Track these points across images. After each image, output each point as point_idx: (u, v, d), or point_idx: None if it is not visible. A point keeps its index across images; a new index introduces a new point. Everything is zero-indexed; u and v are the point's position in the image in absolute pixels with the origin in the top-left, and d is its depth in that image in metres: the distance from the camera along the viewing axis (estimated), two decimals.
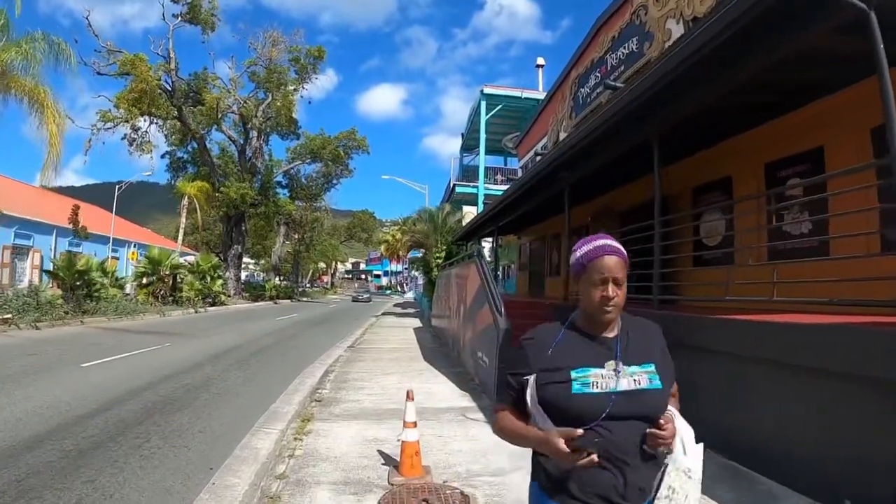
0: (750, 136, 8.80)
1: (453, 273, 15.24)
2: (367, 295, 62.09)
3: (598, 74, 16.06)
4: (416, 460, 4.85)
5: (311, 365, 11.37)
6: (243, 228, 43.01)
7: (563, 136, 18.36)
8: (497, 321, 8.35)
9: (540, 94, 28.69)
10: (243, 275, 61.10)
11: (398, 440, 5.16)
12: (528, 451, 1.80)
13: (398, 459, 5.10)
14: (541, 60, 34.22)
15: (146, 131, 37.89)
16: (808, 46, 5.16)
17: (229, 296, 36.99)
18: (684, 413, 1.88)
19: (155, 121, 37.82)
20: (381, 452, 5.68)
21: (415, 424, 4.93)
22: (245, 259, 76.25)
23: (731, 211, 8.96)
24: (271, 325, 22.29)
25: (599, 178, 11.29)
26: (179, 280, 29.34)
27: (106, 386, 8.97)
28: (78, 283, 21.51)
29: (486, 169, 31.55)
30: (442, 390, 9.19)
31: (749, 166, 8.90)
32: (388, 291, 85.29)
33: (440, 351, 14.81)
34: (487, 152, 31.27)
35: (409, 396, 5.06)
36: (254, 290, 43.64)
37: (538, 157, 24.09)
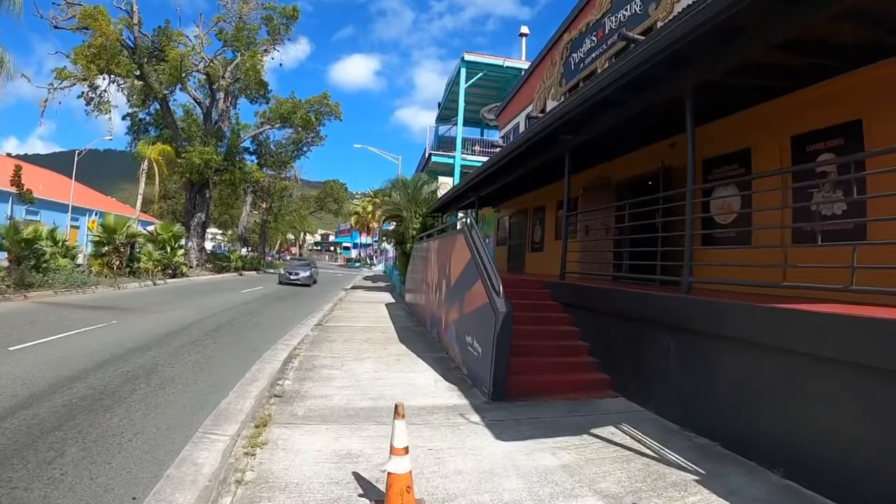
0: (775, 106, 7.80)
1: (433, 245, 13.95)
2: (309, 272, 32.72)
3: (594, 38, 14.79)
4: (409, 498, 3.59)
5: (273, 347, 10.04)
6: (207, 196, 40.73)
7: (551, 103, 17.12)
8: (495, 303, 7.14)
9: (523, 64, 27.33)
10: (209, 245, 58.65)
11: (383, 471, 3.90)
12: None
13: (382, 490, 3.87)
14: (525, 29, 32.82)
15: (105, 90, 35.37)
16: None
17: (191, 267, 35.02)
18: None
19: (115, 79, 35.25)
20: (357, 477, 4.40)
21: (406, 451, 3.66)
22: (213, 230, 73.72)
23: (750, 187, 8.07)
24: (233, 299, 20.75)
25: (599, 145, 10.22)
26: (137, 250, 27.37)
27: (30, 375, 7.50)
28: (26, 254, 19.58)
29: (463, 140, 30.11)
30: (425, 382, 7.98)
31: (773, 138, 7.90)
32: (358, 264, 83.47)
33: (417, 331, 13.59)
34: (464, 124, 29.82)
35: (399, 412, 3.71)
36: (218, 262, 41.47)
37: (529, 121, 22.79)
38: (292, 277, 31.67)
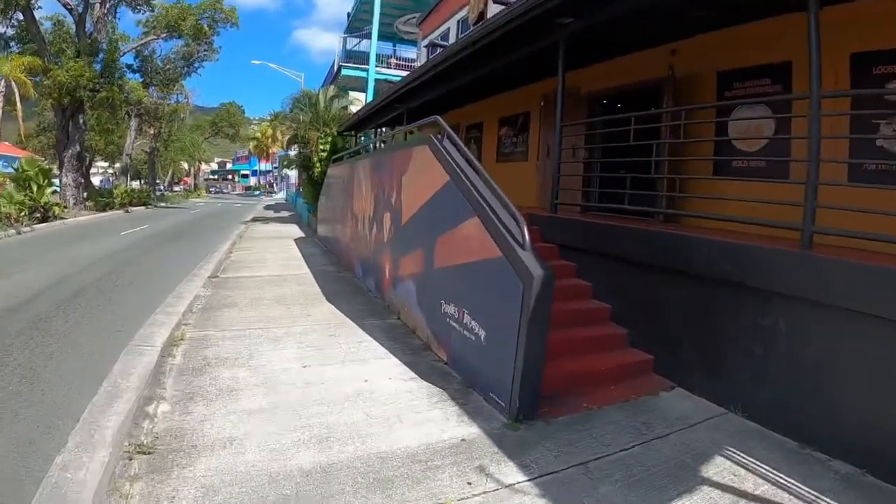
0: (833, 14, 5.17)
1: (363, 167, 10.53)
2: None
3: None
4: None
5: (148, 323, 6.53)
6: (82, 122, 33.85)
7: (495, 7, 13.71)
8: (519, 262, 4.18)
9: None
10: (97, 180, 50.65)
11: None
12: None
13: None
14: None
15: None
16: None
17: (66, 207, 28.92)
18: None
19: None
20: None
21: None
22: (102, 163, 64.25)
23: (789, 109, 6.05)
24: (111, 245, 16.31)
25: (601, 36, 7.30)
26: None
27: None
28: None
29: (378, 55, 26.02)
30: (390, 385, 4.92)
31: (826, 54, 5.37)
32: (258, 192, 76.86)
33: (343, 279, 10.42)
34: (376, 38, 25.68)
35: None
36: (101, 198, 34.89)
37: (461, 27, 19.31)
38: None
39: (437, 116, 6.52)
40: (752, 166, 6.55)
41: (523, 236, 4.21)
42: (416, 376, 5.12)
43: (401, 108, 13.96)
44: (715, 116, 7.07)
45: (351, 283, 9.95)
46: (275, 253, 14.18)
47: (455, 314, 5.22)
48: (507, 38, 7.50)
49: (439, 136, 6.12)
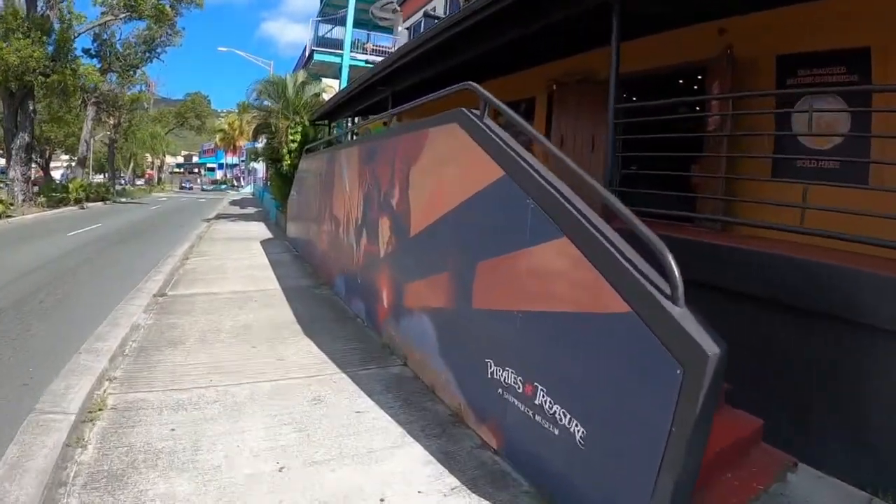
0: None
1: (349, 157, 8.49)
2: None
3: None
4: None
5: (66, 372, 4.56)
6: (31, 109, 30.75)
7: None
8: (671, 325, 2.32)
9: None
10: (57, 174, 46.95)
11: None
12: None
13: None
14: None
15: None
16: None
17: (13, 204, 25.99)
18: None
19: None
20: None
21: None
22: (66, 156, 60.02)
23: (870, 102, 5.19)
24: (52, 249, 13.94)
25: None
26: None
27: None
28: None
29: (352, 41, 23.97)
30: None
31: None
32: (224, 186, 73.17)
33: (321, 298, 8.49)
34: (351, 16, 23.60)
35: None
36: (53, 193, 31.70)
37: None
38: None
39: (472, 82, 4.59)
40: (822, 167, 5.27)
41: (673, 281, 2.43)
42: (459, 485, 3.24)
43: (385, 90, 12.00)
44: (775, 107, 5.76)
45: (332, 304, 8.03)
46: (238, 259, 12.11)
47: (517, 387, 3.40)
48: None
49: (474, 112, 4.27)
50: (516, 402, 3.40)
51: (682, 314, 2.34)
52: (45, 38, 28.91)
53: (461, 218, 4.28)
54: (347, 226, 8.14)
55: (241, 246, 14.57)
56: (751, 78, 6.09)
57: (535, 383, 3.20)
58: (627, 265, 2.57)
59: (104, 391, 4.44)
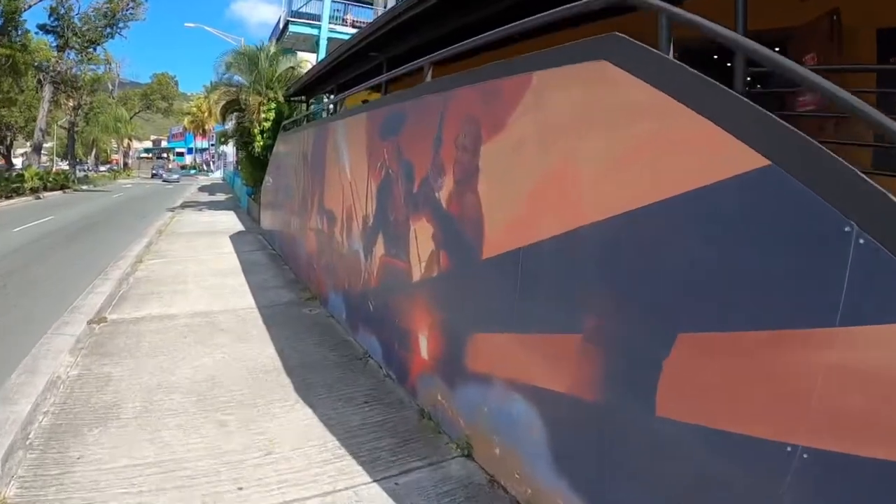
0: None
1: (354, 132, 6.36)
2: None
3: None
4: None
5: None
6: None
7: None
8: None
9: None
10: (18, 162, 43.89)
11: None
12: None
13: None
14: None
15: None
16: None
17: None
18: None
19: None
20: None
21: None
22: (29, 144, 55.87)
23: None
24: None
25: None
26: None
27: None
28: None
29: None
30: None
31: None
32: (193, 171, 69.25)
33: (314, 322, 6.44)
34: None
35: None
36: (7, 183, 28.32)
37: None
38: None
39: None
40: None
41: None
42: None
43: (378, 56, 9.74)
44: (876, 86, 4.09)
45: (329, 332, 5.94)
46: (203, 262, 9.87)
47: None
48: None
49: (644, 49, 2.18)
50: None
51: None
52: None
53: (631, 239, 2.24)
54: (349, 225, 6.02)
55: (208, 242, 12.29)
56: (849, 51, 4.58)
57: None
58: None
59: None
